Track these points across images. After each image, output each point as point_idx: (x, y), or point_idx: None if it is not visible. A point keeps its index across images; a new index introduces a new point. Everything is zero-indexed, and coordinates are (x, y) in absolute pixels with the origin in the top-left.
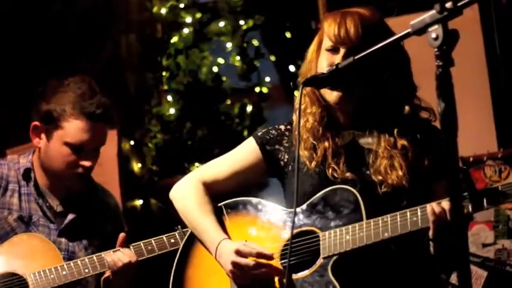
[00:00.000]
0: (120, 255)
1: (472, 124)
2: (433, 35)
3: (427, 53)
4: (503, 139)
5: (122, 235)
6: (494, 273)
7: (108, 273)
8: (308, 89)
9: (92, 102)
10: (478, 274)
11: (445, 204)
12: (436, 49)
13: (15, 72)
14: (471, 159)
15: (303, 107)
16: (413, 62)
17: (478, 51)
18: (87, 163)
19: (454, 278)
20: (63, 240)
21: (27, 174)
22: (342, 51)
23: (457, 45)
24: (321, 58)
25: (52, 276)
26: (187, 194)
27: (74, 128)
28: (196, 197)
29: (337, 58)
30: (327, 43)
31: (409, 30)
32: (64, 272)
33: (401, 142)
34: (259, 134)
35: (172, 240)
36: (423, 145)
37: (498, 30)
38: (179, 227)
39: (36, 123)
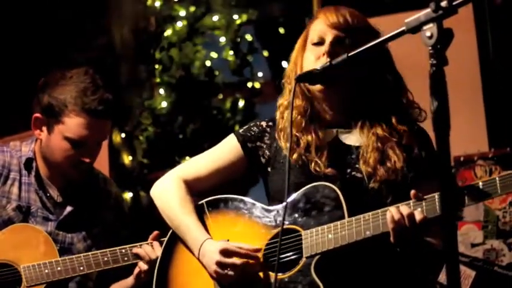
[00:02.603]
0: (155, 248)
1: (464, 123)
2: (428, 34)
3: (419, 52)
4: (494, 139)
5: (155, 232)
6: (483, 273)
7: (139, 269)
8: (292, 82)
9: (94, 98)
10: (466, 274)
11: (404, 209)
12: (430, 48)
13: (8, 62)
14: (462, 158)
15: (286, 102)
16: (404, 60)
17: (471, 50)
18: (87, 159)
19: (442, 278)
20: (61, 231)
21: (29, 163)
22: (331, 35)
23: (450, 44)
24: (307, 53)
25: (46, 271)
26: (168, 192)
27: (74, 124)
28: (177, 195)
29: (325, 45)
30: (314, 37)
31: (403, 28)
32: (59, 268)
33: (392, 138)
34: (240, 131)
35: None
36: (411, 144)
37: (492, 30)
38: None
39: (38, 115)
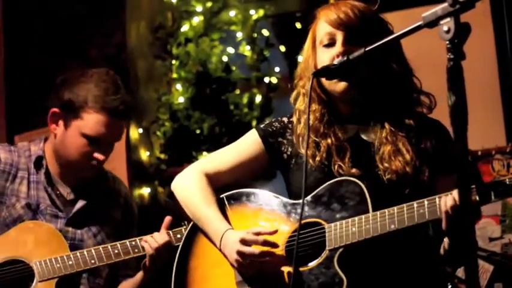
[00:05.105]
0: (157, 237)
1: (481, 118)
2: (445, 28)
3: (436, 47)
4: (511, 133)
5: (168, 218)
6: (501, 267)
7: (145, 260)
8: (307, 87)
9: (115, 98)
10: (485, 268)
11: (457, 195)
12: (447, 42)
13: (26, 60)
14: (479, 152)
15: (302, 106)
16: (422, 55)
17: (488, 45)
18: (101, 156)
19: (460, 271)
20: (70, 228)
21: (38, 162)
22: (341, 35)
23: (468, 39)
24: (320, 54)
25: (58, 265)
26: (189, 185)
27: (93, 121)
28: (198, 188)
29: (337, 46)
30: (323, 38)
31: (420, 22)
32: (70, 262)
33: (404, 130)
34: (261, 126)
35: (179, 236)
36: (426, 136)
37: (509, 25)
38: (185, 222)
39: (56, 109)
